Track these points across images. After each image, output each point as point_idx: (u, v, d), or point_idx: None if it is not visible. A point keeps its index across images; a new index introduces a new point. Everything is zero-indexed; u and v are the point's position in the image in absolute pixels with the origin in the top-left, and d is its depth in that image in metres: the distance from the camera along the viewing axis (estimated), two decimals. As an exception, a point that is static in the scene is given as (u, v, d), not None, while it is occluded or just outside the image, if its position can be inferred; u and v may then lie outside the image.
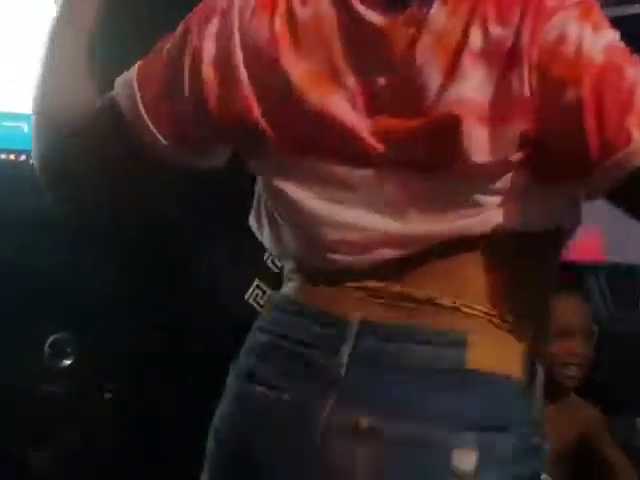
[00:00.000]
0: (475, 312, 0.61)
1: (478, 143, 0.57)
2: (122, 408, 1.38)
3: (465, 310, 0.61)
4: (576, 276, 2.06)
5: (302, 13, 0.62)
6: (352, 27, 0.61)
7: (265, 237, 0.71)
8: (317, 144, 0.62)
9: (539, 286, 0.65)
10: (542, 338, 0.66)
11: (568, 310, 1.65)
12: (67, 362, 1.36)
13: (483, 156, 0.57)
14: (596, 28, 0.56)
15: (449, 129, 0.57)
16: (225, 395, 0.69)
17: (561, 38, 0.55)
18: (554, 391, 1.50)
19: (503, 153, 0.58)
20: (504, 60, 0.56)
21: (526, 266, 0.63)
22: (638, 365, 1.95)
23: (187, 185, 0.98)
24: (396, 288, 0.62)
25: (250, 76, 0.63)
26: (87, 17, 0.79)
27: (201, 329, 1.28)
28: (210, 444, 0.69)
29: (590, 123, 0.54)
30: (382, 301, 0.62)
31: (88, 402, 1.39)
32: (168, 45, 0.67)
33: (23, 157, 1.41)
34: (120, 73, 0.70)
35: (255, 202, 0.73)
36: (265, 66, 0.62)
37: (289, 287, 0.70)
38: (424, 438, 0.58)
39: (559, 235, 0.66)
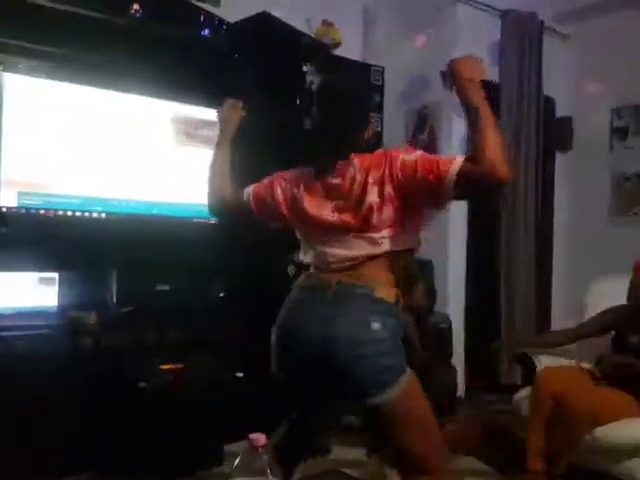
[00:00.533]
0: (378, 280, 1.60)
1: (378, 219, 1.58)
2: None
3: (374, 279, 1.60)
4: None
5: (309, 184, 1.70)
6: (326, 185, 1.66)
7: (302, 254, 1.79)
8: (314, 227, 1.69)
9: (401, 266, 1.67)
10: (404, 290, 1.69)
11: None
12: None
13: (379, 223, 1.58)
14: (411, 153, 1.57)
15: (368, 215, 1.58)
16: (283, 307, 1.71)
17: (402, 162, 1.55)
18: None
19: (388, 220, 1.58)
20: (382, 181, 1.57)
21: (399, 262, 1.65)
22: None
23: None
24: (349, 272, 1.61)
25: (288, 209, 1.75)
26: (227, 145, 2.03)
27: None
28: (275, 333, 1.70)
29: (430, 177, 1.49)
30: (344, 276, 1.61)
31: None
32: (265, 182, 1.83)
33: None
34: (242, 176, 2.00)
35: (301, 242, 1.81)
36: (295, 205, 1.72)
37: (309, 273, 1.73)
38: (363, 321, 1.55)
39: (413, 249, 1.69)
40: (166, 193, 3.10)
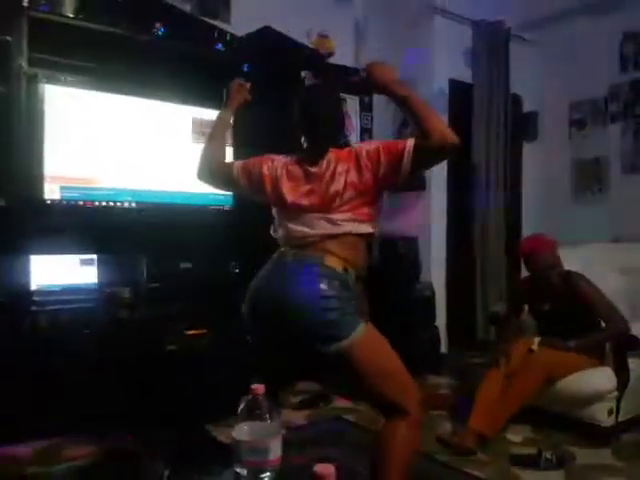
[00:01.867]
0: (330, 253, 1.60)
1: (339, 203, 1.62)
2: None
3: (327, 252, 1.61)
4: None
5: (291, 169, 1.72)
6: (304, 172, 1.69)
7: (273, 232, 1.79)
8: (286, 206, 1.70)
9: (360, 248, 1.68)
10: (357, 263, 1.67)
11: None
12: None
13: (340, 207, 1.63)
14: (372, 144, 1.66)
15: (332, 199, 1.63)
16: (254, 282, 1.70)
17: (366, 151, 1.62)
18: None
19: (348, 205, 1.63)
20: (347, 172, 1.62)
21: (356, 242, 1.66)
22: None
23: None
24: (310, 247, 1.63)
25: (271, 186, 1.75)
26: (228, 119, 2.03)
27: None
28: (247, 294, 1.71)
29: (391, 156, 1.56)
30: (304, 249, 1.64)
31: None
32: (253, 159, 1.82)
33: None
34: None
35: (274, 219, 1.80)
36: (276, 184, 1.73)
37: (280, 249, 1.72)
38: (311, 281, 1.57)
39: (371, 233, 1.68)
40: (186, 184, 3.08)
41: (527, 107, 4.59)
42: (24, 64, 2.55)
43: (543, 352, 2.64)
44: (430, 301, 3.78)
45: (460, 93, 4.01)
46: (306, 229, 1.65)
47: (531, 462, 2.33)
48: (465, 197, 4.10)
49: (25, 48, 2.54)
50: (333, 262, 1.59)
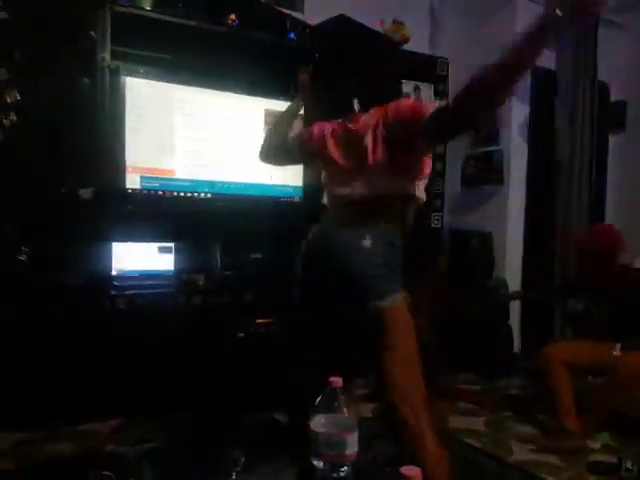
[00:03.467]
0: (371, 213, 1.58)
1: (372, 159, 1.60)
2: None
3: (370, 213, 1.58)
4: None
5: (336, 128, 1.75)
6: (346, 130, 1.70)
7: (324, 198, 1.79)
8: (331, 167, 1.74)
9: (400, 209, 1.64)
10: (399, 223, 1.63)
11: None
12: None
13: (374, 164, 1.59)
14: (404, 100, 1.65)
15: (364, 156, 1.61)
16: (307, 239, 1.71)
17: (394, 106, 1.58)
18: None
19: (381, 162, 1.58)
20: (376, 126, 1.59)
21: (396, 202, 1.62)
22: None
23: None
24: (353, 207, 1.62)
25: (318, 147, 1.78)
26: (294, 113, 2.06)
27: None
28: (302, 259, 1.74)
29: (410, 116, 1.51)
30: (347, 210, 1.64)
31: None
32: (305, 129, 1.97)
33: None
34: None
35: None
36: (323, 144, 1.75)
37: (329, 207, 1.75)
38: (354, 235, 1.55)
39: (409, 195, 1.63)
40: (259, 176, 3.14)
41: (614, 96, 4.32)
42: (107, 57, 2.65)
43: (630, 356, 2.50)
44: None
45: (542, 80, 3.82)
46: (348, 189, 1.65)
47: (610, 471, 2.22)
48: (545, 194, 3.91)
49: (108, 42, 2.64)
50: (376, 221, 1.58)
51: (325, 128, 1.79)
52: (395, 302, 1.52)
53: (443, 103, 1.49)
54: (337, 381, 1.20)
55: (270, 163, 2.10)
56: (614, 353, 2.56)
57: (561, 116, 3.83)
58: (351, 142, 1.67)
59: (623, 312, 2.60)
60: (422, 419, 1.48)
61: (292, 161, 2.16)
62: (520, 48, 1.29)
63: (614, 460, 2.25)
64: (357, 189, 1.63)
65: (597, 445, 2.50)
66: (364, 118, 1.65)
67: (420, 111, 1.49)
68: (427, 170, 1.66)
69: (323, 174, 1.82)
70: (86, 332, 2.46)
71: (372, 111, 1.65)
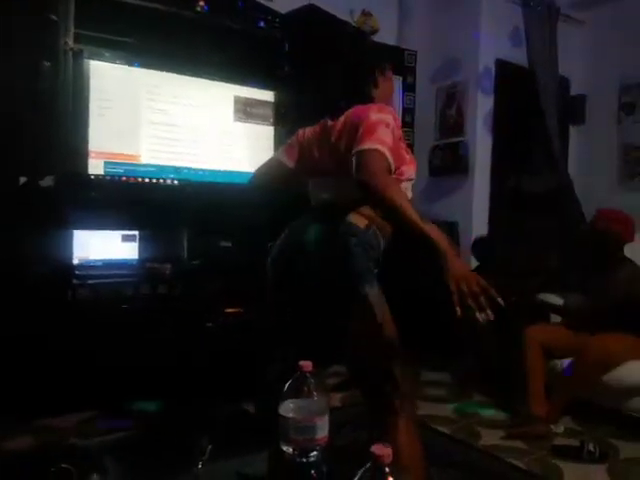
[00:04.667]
0: (353, 211, 1.45)
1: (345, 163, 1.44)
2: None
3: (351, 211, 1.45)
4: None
5: (318, 130, 1.67)
6: (325, 130, 1.62)
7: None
8: (311, 169, 1.66)
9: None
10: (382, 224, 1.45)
11: None
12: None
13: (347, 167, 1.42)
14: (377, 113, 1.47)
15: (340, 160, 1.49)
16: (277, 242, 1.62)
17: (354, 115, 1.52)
18: None
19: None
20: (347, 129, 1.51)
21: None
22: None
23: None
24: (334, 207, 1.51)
25: (300, 152, 1.72)
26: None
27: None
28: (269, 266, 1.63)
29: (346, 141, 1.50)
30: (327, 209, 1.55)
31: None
32: (288, 142, 1.77)
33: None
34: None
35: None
36: (306, 148, 1.69)
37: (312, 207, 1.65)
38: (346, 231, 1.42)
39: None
40: (228, 163, 3.07)
41: (574, 90, 4.39)
42: (70, 41, 2.55)
43: (598, 339, 2.54)
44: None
45: (508, 75, 3.86)
46: (328, 193, 1.60)
47: (573, 454, 2.25)
48: (509, 182, 3.96)
49: (71, 24, 2.54)
50: (356, 219, 1.45)
51: (306, 133, 1.70)
52: (372, 290, 1.44)
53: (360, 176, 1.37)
54: (307, 365, 1.16)
55: (266, 190, 1.88)
56: None
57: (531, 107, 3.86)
58: (330, 142, 1.57)
59: (605, 306, 2.61)
60: (403, 403, 1.43)
61: (290, 179, 1.80)
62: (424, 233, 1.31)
63: (576, 444, 2.28)
64: (340, 190, 1.54)
65: (561, 429, 2.53)
66: (343, 118, 1.56)
67: (356, 137, 1.43)
68: (407, 174, 1.57)
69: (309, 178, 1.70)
70: (47, 322, 2.35)
71: (350, 111, 1.55)
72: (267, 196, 1.92)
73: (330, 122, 1.60)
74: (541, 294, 3.09)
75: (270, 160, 1.82)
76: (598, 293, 2.65)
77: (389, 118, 1.47)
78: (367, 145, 1.40)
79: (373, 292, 1.42)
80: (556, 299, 3.06)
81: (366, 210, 1.46)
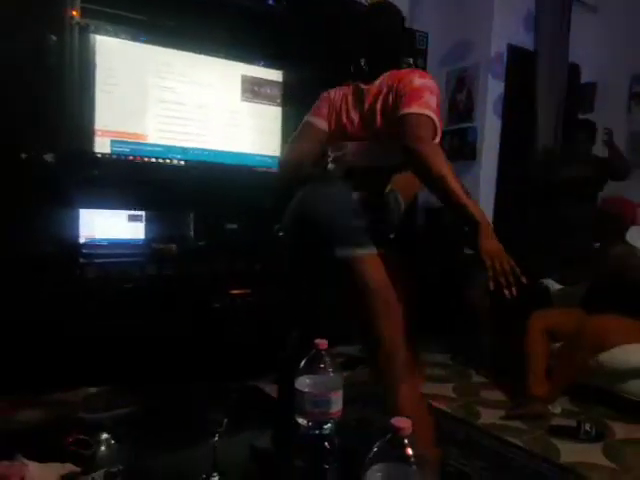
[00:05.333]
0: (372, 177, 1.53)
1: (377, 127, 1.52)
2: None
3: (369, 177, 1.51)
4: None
5: (346, 92, 1.67)
6: (357, 94, 1.62)
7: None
8: (340, 133, 1.63)
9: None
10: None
11: None
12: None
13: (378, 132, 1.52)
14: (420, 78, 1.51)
15: (371, 123, 1.54)
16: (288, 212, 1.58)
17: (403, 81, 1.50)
18: None
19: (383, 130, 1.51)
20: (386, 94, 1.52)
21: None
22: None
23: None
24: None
25: (332, 116, 1.68)
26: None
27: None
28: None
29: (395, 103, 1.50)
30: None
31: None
32: (316, 105, 1.70)
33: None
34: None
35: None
36: (336, 113, 1.66)
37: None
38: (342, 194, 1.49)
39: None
40: (235, 144, 3.11)
41: (584, 77, 4.42)
42: (76, 14, 2.55)
43: (597, 318, 2.63)
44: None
45: (520, 60, 3.87)
46: (354, 158, 1.58)
47: (570, 433, 2.34)
48: (517, 169, 4.00)
49: (77, -1, 2.54)
50: (374, 184, 1.49)
51: (334, 97, 1.67)
52: (368, 251, 1.45)
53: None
54: (323, 343, 1.22)
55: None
56: None
57: (540, 93, 3.89)
58: (362, 105, 1.58)
59: (602, 282, 2.74)
60: (405, 371, 1.47)
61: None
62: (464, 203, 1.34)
63: (573, 424, 2.37)
64: (363, 157, 1.56)
65: (558, 410, 2.61)
66: (378, 83, 1.56)
67: (406, 105, 1.42)
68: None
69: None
70: (54, 301, 2.41)
71: (386, 75, 1.55)
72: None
73: (363, 85, 1.60)
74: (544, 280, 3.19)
75: (301, 129, 1.70)
76: (595, 269, 2.79)
77: (432, 84, 1.48)
78: (414, 109, 1.40)
79: (363, 254, 1.43)
80: (557, 286, 3.16)
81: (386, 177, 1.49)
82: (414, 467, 0.84)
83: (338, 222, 1.44)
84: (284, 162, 1.74)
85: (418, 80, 1.48)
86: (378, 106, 1.53)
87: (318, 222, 1.46)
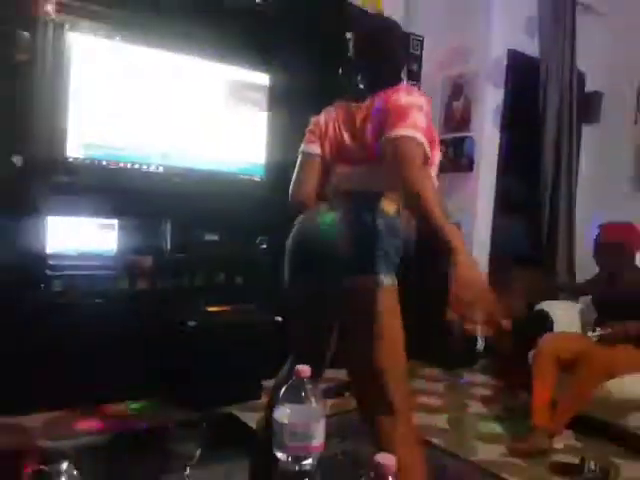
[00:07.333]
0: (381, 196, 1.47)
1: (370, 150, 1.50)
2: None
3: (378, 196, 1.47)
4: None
5: (339, 112, 1.65)
6: (349, 113, 1.61)
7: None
8: (334, 153, 1.63)
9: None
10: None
11: None
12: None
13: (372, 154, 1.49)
14: (407, 94, 1.49)
15: (364, 145, 1.53)
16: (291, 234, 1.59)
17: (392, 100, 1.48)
18: None
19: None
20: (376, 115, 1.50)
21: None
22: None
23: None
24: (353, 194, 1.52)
25: (322, 139, 1.68)
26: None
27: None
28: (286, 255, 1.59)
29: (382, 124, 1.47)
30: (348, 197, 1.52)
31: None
32: (309, 130, 1.70)
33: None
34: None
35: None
36: (327, 134, 1.66)
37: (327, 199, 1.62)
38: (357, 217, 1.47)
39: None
40: (217, 151, 3.10)
41: (590, 86, 4.47)
42: (51, 10, 2.55)
43: (603, 347, 2.67)
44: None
45: (521, 67, 3.92)
46: (350, 182, 1.57)
47: (573, 471, 2.32)
48: (515, 181, 4.03)
49: (53, -6, 2.54)
50: (385, 205, 1.47)
51: (324, 119, 1.68)
52: (388, 281, 1.46)
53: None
54: (304, 370, 1.21)
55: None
56: (589, 334, 2.81)
57: (543, 101, 3.92)
58: (355, 124, 1.57)
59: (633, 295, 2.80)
60: (405, 412, 1.47)
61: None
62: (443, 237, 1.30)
63: (576, 461, 2.35)
64: (363, 178, 1.56)
65: (560, 445, 2.60)
66: (369, 100, 1.56)
67: (391, 129, 1.41)
68: (436, 160, 1.59)
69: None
70: (17, 316, 2.38)
71: (380, 94, 1.54)
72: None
73: (354, 105, 1.61)
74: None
75: (300, 160, 1.73)
76: (605, 296, 2.90)
77: (421, 100, 1.48)
78: (401, 131, 1.40)
79: (388, 282, 1.45)
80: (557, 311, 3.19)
81: (395, 196, 1.48)
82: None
83: (362, 250, 1.45)
84: (290, 196, 1.74)
85: (405, 98, 1.47)
86: (368, 127, 1.53)
87: (336, 249, 1.47)
